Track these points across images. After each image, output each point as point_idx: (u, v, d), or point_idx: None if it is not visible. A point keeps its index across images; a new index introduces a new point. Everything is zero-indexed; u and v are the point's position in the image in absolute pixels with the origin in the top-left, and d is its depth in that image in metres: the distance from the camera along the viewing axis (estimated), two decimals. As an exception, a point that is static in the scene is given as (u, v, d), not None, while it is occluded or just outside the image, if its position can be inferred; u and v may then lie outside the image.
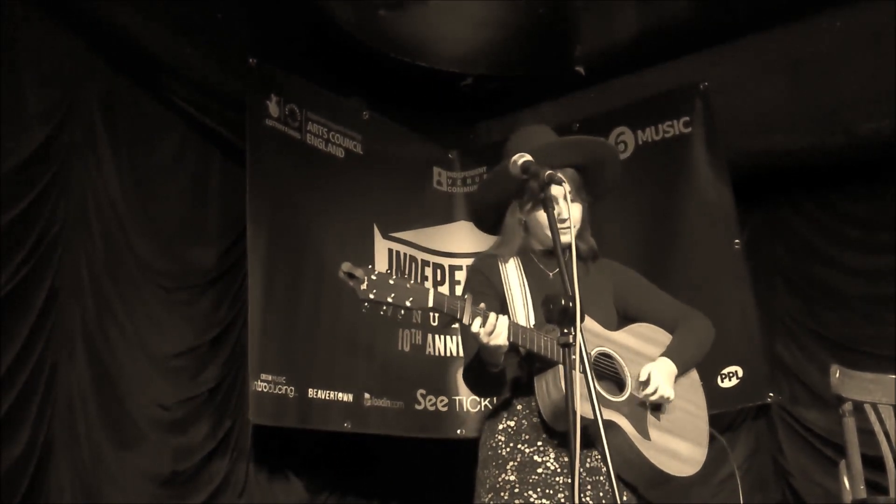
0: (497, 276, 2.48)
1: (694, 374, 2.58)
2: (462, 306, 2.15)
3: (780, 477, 4.64)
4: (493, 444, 2.41)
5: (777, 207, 4.98)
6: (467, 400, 4.57)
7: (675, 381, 2.46)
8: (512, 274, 2.47)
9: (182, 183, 4.28)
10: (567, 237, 2.30)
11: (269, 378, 3.82)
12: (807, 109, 4.43)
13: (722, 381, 4.08)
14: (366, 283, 2.02)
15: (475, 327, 2.14)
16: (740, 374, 4.09)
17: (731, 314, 4.19)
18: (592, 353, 2.33)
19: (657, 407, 2.42)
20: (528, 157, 2.26)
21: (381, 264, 4.44)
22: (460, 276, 4.81)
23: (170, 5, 3.84)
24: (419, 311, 2.13)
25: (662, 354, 2.48)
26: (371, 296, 2.03)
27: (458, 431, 4.50)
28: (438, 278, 4.80)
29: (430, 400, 4.48)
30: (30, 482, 3.29)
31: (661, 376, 2.40)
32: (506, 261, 2.49)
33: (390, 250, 4.60)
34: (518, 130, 2.63)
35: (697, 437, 2.49)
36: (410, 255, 4.69)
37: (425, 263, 4.77)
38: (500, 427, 2.42)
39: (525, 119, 4.83)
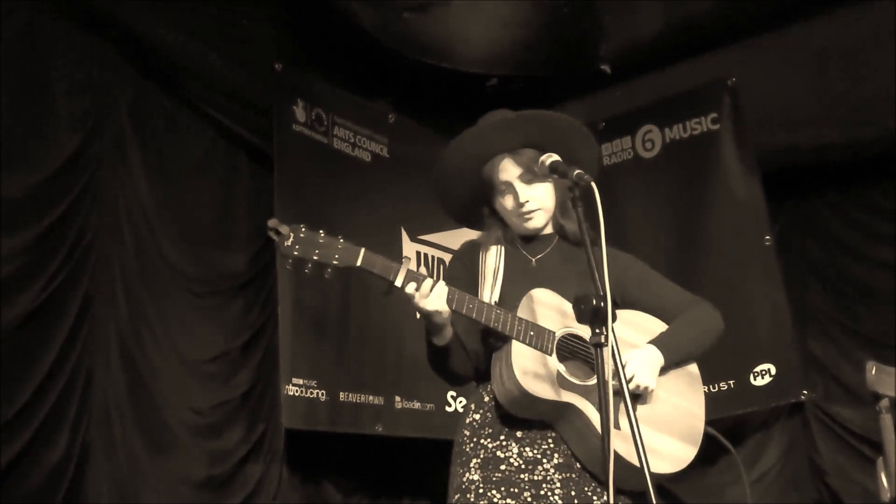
0: (475, 262, 2.40)
1: (693, 369, 2.38)
2: (396, 269, 2.08)
3: (816, 475, 4.58)
4: (459, 440, 2.30)
5: (807, 203, 4.93)
6: (497, 401, 4.56)
7: (667, 374, 2.29)
8: (490, 260, 2.37)
9: (211, 188, 4.31)
10: (531, 223, 2.31)
11: (301, 382, 3.84)
12: (835, 103, 4.38)
13: (754, 379, 4.04)
14: (291, 239, 2.00)
15: (409, 290, 2.08)
16: (773, 371, 4.06)
17: (762, 311, 4.16)
18: (558, 333, 2.20)
19: (636, 397, 2.24)
20: (555, 157, 2.19)
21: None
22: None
23: (196, 12, 3.88)
24: (349, 271, 2.06)
25: (650, 342, 2.29)
26: (295, 252, 2.00)
27: (489, 433, 4.49)
28: (467, 280, 4.79)
29: (461, 402, 4.47)
30: (68, 486, 3.33)
31: (641, 364, 2.22)
32: (486, 248, 2.40)
33: (418, 253, 4.61)
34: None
35: (685, 435, 2.29)
36: (439, 258, 4.70)
37: (453, 266, 4.76)
38: (467, 421, 2.31)
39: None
